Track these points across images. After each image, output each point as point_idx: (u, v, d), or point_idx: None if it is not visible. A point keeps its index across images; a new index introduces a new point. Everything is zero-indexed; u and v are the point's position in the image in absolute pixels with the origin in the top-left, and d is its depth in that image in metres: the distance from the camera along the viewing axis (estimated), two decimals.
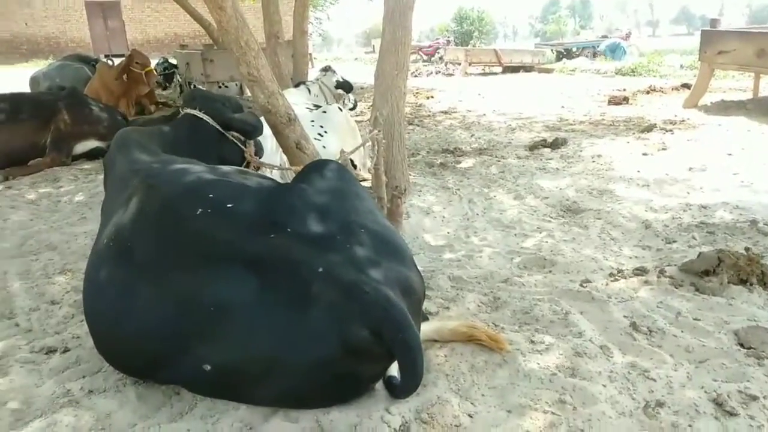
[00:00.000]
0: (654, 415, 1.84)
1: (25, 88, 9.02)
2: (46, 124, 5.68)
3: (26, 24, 27.56)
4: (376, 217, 2.15)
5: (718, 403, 1.86)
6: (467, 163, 5.52)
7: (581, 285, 2.78)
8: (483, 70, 18.80)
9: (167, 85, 11.92)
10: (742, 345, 2.21)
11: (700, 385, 1.96)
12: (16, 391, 2.01)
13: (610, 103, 9.47)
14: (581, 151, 5.85)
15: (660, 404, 1.88)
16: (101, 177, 3.98)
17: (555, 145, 6.06)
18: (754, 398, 1.87)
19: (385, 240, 2.02)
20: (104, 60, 10.54)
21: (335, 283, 1.73)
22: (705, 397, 1.90)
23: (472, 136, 7.07)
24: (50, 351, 2.27)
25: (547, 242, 3.45)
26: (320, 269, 1.75)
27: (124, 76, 8.15)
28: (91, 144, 5.97)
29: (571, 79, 14.77)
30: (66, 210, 4.31)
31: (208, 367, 1.73)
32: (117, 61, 8.78)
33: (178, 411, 1.85)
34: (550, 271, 3.04)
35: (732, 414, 1.81)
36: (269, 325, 1.70)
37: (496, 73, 18.01)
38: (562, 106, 9.36)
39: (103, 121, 6.08)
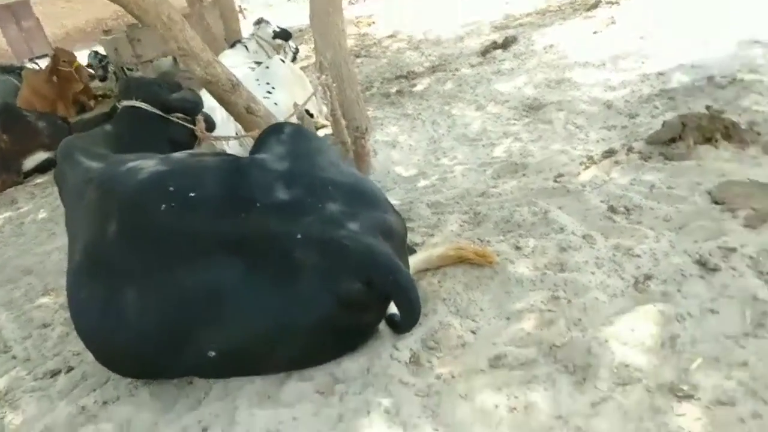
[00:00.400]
0: (644, 289, 1.91)
1: None
2: None
3: None
4: (341, 169, 2.13)
5: (702, 263, 1.94)
6: (423, 84, 5.41)
7: (555, 181, 2.80)
8: None
9: (106, 76, 11.38)
10: (716, 202, 2.27)
11: (683, 250, 2.03)
12: (31, 421, 2.00)
13: None
14: (532, 45, 5.75)
15: (648, 278, 1.95)
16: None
17: (506, 44, 5.93)
18: (733, 250, 1.94)
19: (354, 189, 2.01)
20: (29, 65, 10.00)
21: (315, 244, 1.74)
22: (689, 261, 1.97)
23: (422, 55, 6.89)
24: (54, 374, 2.26)
25: (515, 146, 3.46)
26: (299, 235, 1.74)
27: (54, 78, 7.74)
28: (39, 157, 5.77)
29: None
30: (32, 230, 4.21)
31: (212, 354, 1.75)
32: (43, 63, 8.32)
33: (196, 399, 1.88)
34: (524, 175, 3.06)
35: (715, 270, 1.89)
36: (262, 301, 1.71)
37: None
38: (506, 2, 9.09)
39: (44, 130, 5.85)
